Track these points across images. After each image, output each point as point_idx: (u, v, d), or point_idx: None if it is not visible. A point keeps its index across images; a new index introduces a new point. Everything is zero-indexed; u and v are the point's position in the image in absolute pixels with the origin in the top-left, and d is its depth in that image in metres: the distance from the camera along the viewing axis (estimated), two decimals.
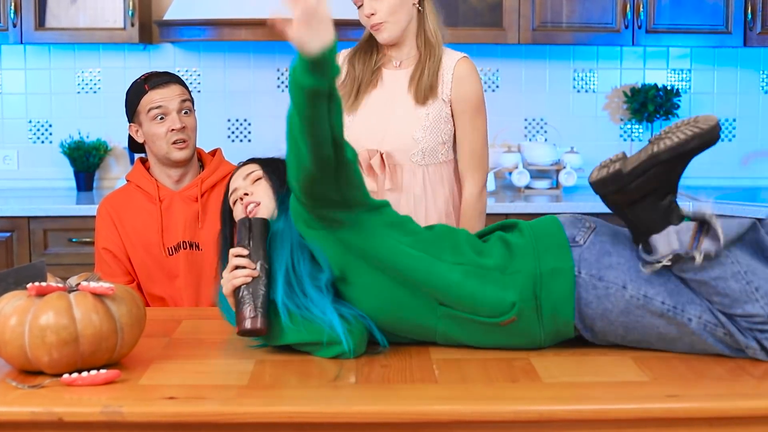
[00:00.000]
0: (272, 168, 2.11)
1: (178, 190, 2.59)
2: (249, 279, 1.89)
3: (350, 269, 1.89)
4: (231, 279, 1.90)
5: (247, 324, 1.86)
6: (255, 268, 1.90)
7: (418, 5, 2.58)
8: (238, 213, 2.08)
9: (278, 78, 4.24)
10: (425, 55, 2.59)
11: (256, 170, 2.11)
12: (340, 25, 4.10)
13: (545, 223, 1.96)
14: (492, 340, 1.91)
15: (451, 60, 2.59)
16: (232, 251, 1.93)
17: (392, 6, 2.52)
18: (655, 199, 1.84)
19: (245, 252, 1.92)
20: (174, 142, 2.53)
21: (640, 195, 1.84)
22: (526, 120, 4.35)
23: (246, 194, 2.08)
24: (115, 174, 4.30)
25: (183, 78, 4.22)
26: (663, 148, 1.81)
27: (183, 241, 2.56)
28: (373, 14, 2.53)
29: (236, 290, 1.90)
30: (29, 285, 1.76)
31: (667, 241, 1.82)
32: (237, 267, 1.90)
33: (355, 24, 3.88)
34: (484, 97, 2.64)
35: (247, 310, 1.87)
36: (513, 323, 1.87)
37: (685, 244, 1.81)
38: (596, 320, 1.86)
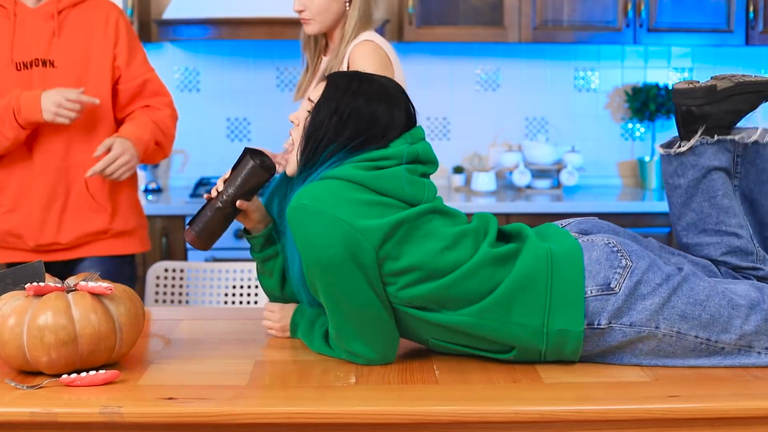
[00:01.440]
0: (319, 113, 1.85)
1: (36, 6, 2.55)
2: (209, 199, 1.96)
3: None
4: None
5: (185, 237, 1.99)
6: (219, 191, 1.94)
7: (347, 4, 2.61)
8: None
9: (278, 77, 4.23)
10: (334, 51, 2.63)
11: (308, 108, 1.88)
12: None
13: (567, 266, 1.81)
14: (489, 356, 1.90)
15: (351, 46, 2.60)
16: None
17: (321, 6, 2.57)
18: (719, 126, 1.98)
19: (226, 176, 1.96)
20: None
21: (714, 114, 1.97)
22: (526, 119, 4.34)
23: (293, 121, 1.91)
24: None
25: (183, 77, 4.24)
26: (749, 80, 1.97)
27: (36, 59, 2.52)
28: (302, 10, 2.58)
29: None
30: (27, 285, 1.75)
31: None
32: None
33: None
34: (387, 71, 2.57)
35: (190, 225, 1.98)
36: (512, 357, 1.85)
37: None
38: (624, 358, 1.83)
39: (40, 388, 1.70)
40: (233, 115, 4.27)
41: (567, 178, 4.07)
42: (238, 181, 1.93)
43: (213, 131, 4.26)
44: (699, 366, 1.82)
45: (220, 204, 1.94)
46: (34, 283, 1.76)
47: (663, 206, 3.83)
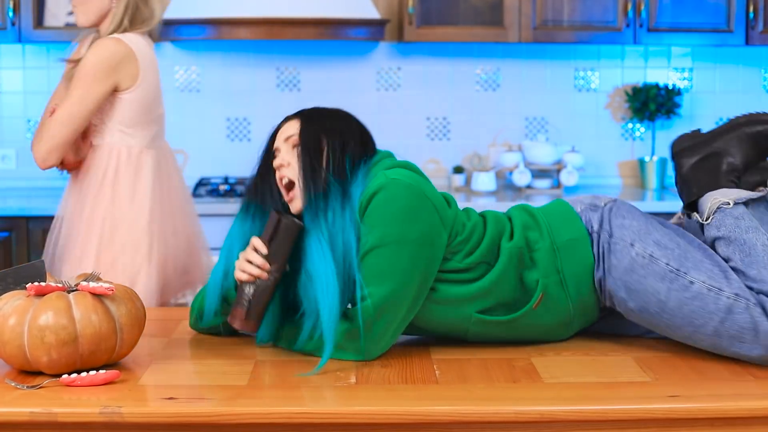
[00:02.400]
0: (310, 136, 1.90)
1: None
2: (252, 279, 1.86)
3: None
4: (240, 269, 1.87)
5: (237, 324, 1.89)
6: (267, 270, 1.85)
7: (112, 2, 2.63)
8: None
9: (278, 77, 4.23)
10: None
11: (295, 134, 1.91)
12: (333, 23, 4.07)
13: (552, 204, 2.02)
14: (525, 331, 1.93)
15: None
16: (254, 241, 1.86)
17: None
18: (718, 163, 1.98)
19: (264, 251, 1.86)
20: None
21: (708, 153, 1.99)
22: (527, 119, 4.34)
23: (282, 165, 1.91)
24: None
25: (183, 77, 4.24)
26: (742, 116, 2.00)
27: None
28: None
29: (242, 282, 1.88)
30: (28, 285, 1.75)
31: (716, 196, 1.93)
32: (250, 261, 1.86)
33: (353, 23, 3.88)
34: (100, 69, 2.54)
35: (242, 311, 1.87)
36: (543, 302, 1.89)
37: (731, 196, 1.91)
38: (601, 277, 1.90)
39: (40, 388, 1.70)
40: (233, 115, 4.27)
41: (567, 178, 4.07)
42: (286, 246, 1.85)
43: (213, 131, 4.26)
44: (668, 305, 1.82)
45: (273, 278, 1.85)
46: (35, 283, 1.76)
47: (663, 206, 3.83)
